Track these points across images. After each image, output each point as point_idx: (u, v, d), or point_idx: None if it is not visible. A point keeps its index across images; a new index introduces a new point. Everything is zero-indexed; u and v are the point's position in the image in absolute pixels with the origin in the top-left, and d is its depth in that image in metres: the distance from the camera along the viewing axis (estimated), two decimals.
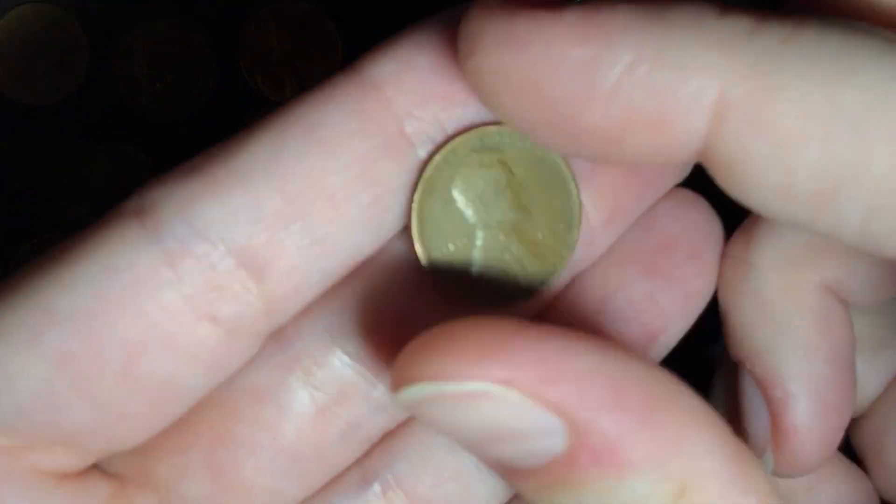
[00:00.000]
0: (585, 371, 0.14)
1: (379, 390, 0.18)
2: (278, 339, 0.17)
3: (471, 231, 0.18)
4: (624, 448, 0.13)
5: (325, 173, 0.16)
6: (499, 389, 0.13)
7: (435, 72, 0.16)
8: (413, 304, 0.18)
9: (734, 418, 0.21)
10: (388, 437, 0.18)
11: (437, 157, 0.17)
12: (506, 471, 0.15)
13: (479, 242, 0.18)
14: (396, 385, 0.14)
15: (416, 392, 0.14)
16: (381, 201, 0.16)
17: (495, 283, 0.18)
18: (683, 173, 0.19)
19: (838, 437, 0.19)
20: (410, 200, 0.17)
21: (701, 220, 0.19)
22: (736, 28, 0.13)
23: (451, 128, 0.17)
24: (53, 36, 0.27)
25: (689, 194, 0.19)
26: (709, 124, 0.13)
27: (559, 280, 0.18)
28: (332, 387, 0.18)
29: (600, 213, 0.18)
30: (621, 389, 0.14)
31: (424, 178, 0.17)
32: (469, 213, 0.17)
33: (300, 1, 0.27)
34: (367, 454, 0.18)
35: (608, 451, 0.13)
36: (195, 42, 0.27)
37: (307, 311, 0.17)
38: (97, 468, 0.17)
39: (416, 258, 0.17)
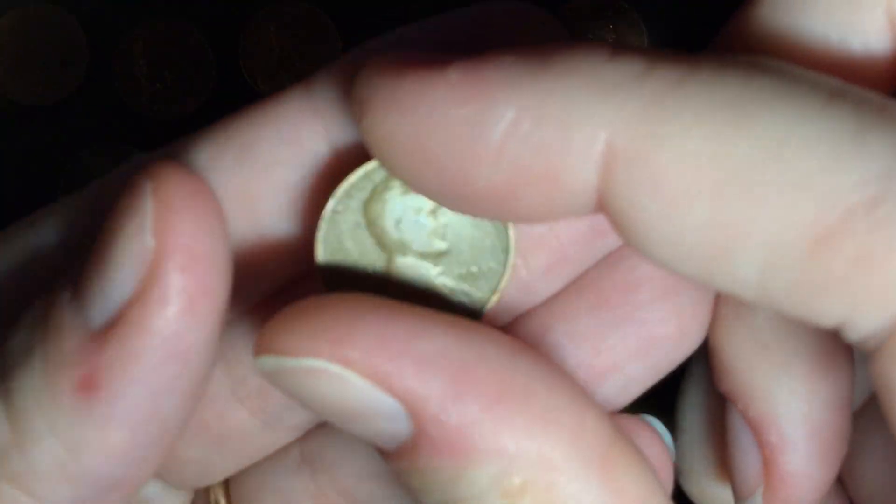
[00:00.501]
0: (431, 355, 0.13)
1: None
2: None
3: (385, 257, 0.16)
4: (464, 438, 0.13)
5: (254, 197, 0.16)
6: (337, 368, 0.13)
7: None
8: None
9: (709, 440, 0.20)
10: (323, 425, 0.19)
11: (352, 176, 0.16)
12: (374, 448, 0.15)
13: (397, 269, 0.16)
14: (255, 354, 0.14)
15: (265, 363, 0.14)
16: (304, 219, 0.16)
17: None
18: None
19: (833, 477, 0.18)
20: (317, 215, 0.16)
21: None
22: (626, 72, 0.13)
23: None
24: (53, 36, 0.27)
25: None
26: (599, 176, 0.13)
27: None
28: (254, 382, 0.17)
29: (538, 259, 0.17)
30: (469, 376, 0.13)
31: (337, 192, 0.16)
32: (386, 238, 0.16)
33: (300, 1, 0.27)
34: (306, 437, 0.19)
35: (447, 440, 0.13)
36: (195, 42, 0.27)
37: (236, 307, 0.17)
38: None
39: (318, 277, 0.16)
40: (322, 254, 0.16)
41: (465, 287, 0.16)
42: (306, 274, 0.17)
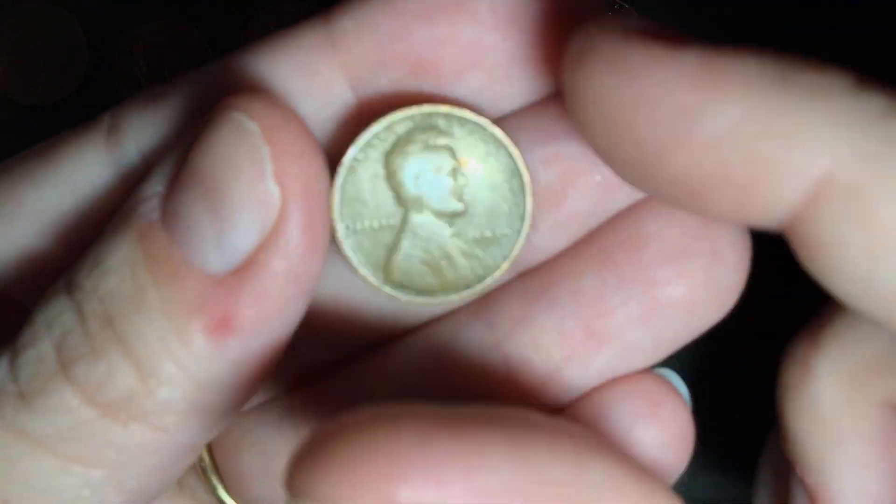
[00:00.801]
0: (496, 490, 0.12)
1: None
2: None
3: (401, 212, 0.16)
4: None
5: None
6: None
7: (399, 36, 0.15)
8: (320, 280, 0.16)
9: (777, 498, 0.20)
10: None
11: (375, 126, 0.16)
12: None
13: (410, 226, 0.16)
14: (292, 492, 0.12)
15: None
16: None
17: (419, 274, 0.16)
18: None
19: None
20: (334, 165, 0.16)
21: (694, 220, 0.16)
22: (868, 107, 0.12)
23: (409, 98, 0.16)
24: (53, 36, 0.27)
25: None
26: (804, 200, 0.12)
27: (482, 287, 0.17)
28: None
29: (547, 215, 0.17)
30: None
31: (361, 136, 0.16)
32: (403, 191, 0.16)
33: (300, 1, 0.27)
34: (289, 390, 0.19)
35: None
36: (195, 42, 0.27)
37: None
38: None
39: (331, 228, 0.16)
40: (338, 202, 0.16)
41: (477, 251, 0.16)
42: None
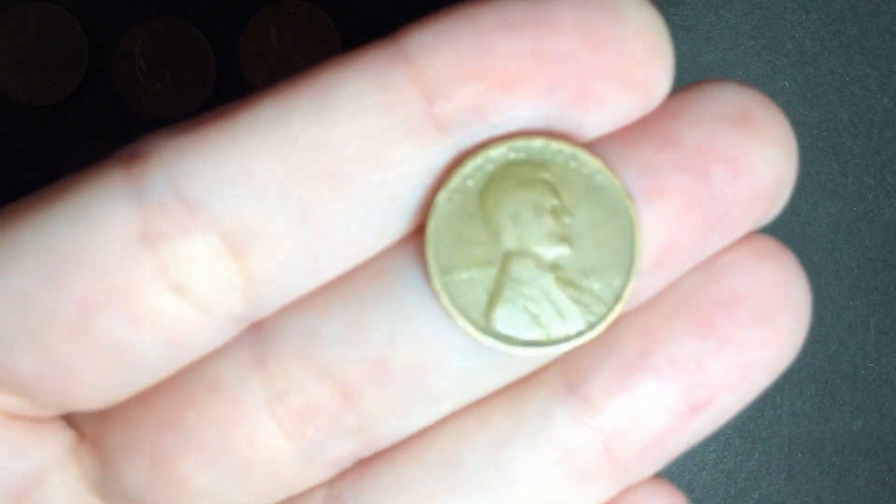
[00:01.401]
0: None
1: (352, 415, 0.15)
2: (256, 331, 0.16)
3: (498, 257, 0.15)
4: None
5: (332, 146, 0.14)
6: None
7: (480, 48, 0.14)
8: (409, 324, 0.15)
9: None
10: (362, 465, 0.16)
11: (469, 160, 0.14)
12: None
13: (511, 272, 0.15)
14: None
15: None
16: (392, 188, 0.14)
17: (515, 325, 0.15)
18: (768, 214, 0.16)
19: None
20: (428, 201, 0.15)
21: (779, 275, 0.16)
22: None
23: (492, 116, 0.14)
24: (53, 36, 0.27)
25: (770, 243, 0.16)
26: None
27: (595, 334, 0.15)
28: (297, 400, 0.15)
29: (649, 248, 0.15)
30: None
31: (450, 178, 0.14)
32: (501, 233, 0.15)
33: (300, 1, 0.27)
34: (338, 478, 0.16)
35: None
36: (195, 42, 0.27)
37: (292, 308, 0.15)
38: (63, 418, 0.16)
39: (425, 273, 0.15)
40: (433, 245, 0.15)
41: (584, 296, 0.15)
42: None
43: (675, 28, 0.29)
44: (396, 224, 0.15)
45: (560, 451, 0.16)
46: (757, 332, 0.15)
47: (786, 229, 0.30)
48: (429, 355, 0.15)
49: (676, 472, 0.30)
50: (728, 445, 0.30)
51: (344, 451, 0.16)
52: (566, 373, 0.16)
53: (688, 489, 0.30)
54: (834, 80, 0.30)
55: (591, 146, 0.15)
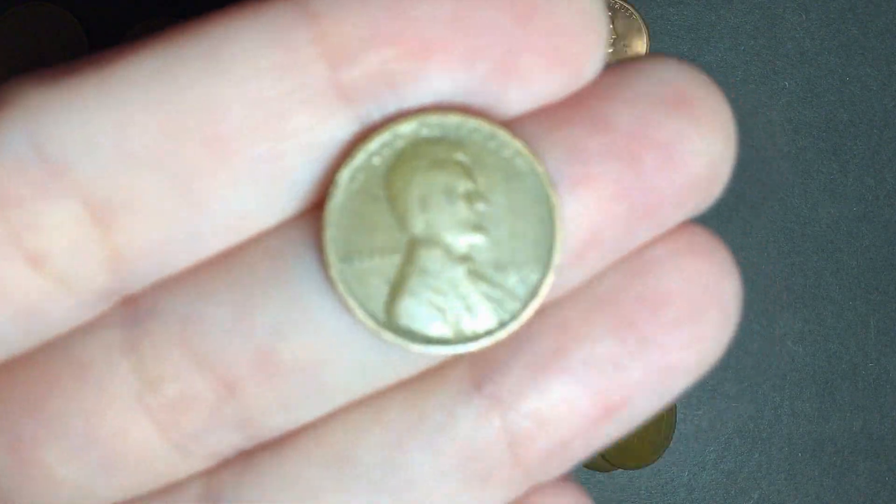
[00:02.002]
0: None
1: (233, 408, 0.14)
2: (129, 308, 0.14)
3: (403, 244, 0.13)
4: None
5: (219, 110, 0.13)
6: None
7: (394, 9, 0.13)
8: (300, 313, 0.14)
9: None
10: (244, 456, 0.15)
11: (376, 136, 0.13)
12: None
13: (418, 261, 0.13)
14: None
15: None
16: (285, 163, 0.13)
17: (419, 320, 0.14)
18: (702, 204, 0.15)
19: None
20: (328, 178, 0.13)
21: (710, 273, 0.15)
22: None
23: (405, 88, 0.13)
24: (53, 36, 0.27)
25: (702, 235, 0.15)
26: None
27: (506, 333, 0.14)
28: (172, 390, 0.14)
29: (571, 240, 0.14)
30: None
31: (354, 154, 0.13)
32: (408, 218, 0.13)
33: None
34: (217, 469, 0.15)
35: None
36: None
37: (171, 284, 0.14)
38: None
39: (321, 259, 0.13)
40: (331, 228, 0.13)
41: (497, 291, 0.14)
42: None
43: (675, 28, 0.29)
44: (289, 201, 0.13)
45: (462, 452, 0.15)
46: (679, 334, 0.14)
47: (786, 229, 0.30)
48: (321, 348, 0.14)
49: (676, 472, 0.30)
50: (728, 445, 0.30)
51: (224, 444, 0.15)
52: (473, 368, 0.15)
53: (688, 489, 0.30)
54: (834, 80, 0.30)
55: (512, 125, 0.14)
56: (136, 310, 0.14)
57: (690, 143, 0.14)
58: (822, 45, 0.30)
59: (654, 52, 0.32)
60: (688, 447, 0.30)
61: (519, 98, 0.13)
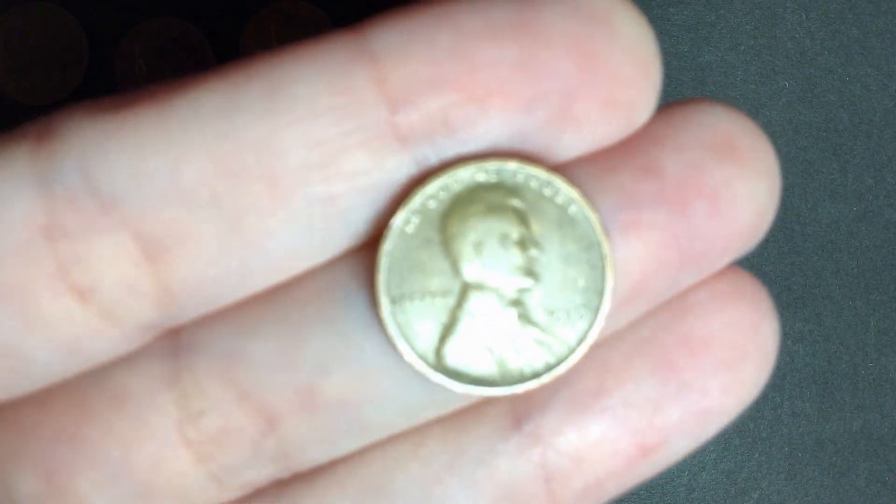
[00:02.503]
0: None
1: (273, 442, 0.14)
2: (172, 340, 0.14)
3: (455, 288, 0.13)
4: None
5: (277, 150, 0.12)
6: None
7: (456, 52, 0.12)
8: (346, 350, 0.14)
9: None
10: (279, 486, 0.15)
11: (433, 179, 0.13)
12: None
13: (469, 304, 0.13)
14: None
15: None
16: (340, 203, 0.13)
17: (467, 360, 0.14)
18: (745, 249, 0.15)
19: None
20: (383, 219, 0.13)
21: (750, 318, 0.15)
22: None
23: (461, 131, 0.13)
24: (53, 36, 0.27)
25: (744, 280, 0.15)
26: None
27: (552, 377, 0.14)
28: (213, 423, 0.14)
29: (620, 286, 0.14)
30: None
31: (410, 199, 0.13)
32: (462, 263, 0.13)
33: (300, 1, 0.27)
34: (251, 498, 0.15)
35: None
36: (195, 42, 0.27)
37: (215, 318, 0.14)
38: None
39: (372, 298, 0.13)
40: (384, 270, 0.13)
41: (546, 336, 0.14)
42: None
43: (675, 28, 0.29)
44: (342, 240, 0.13)
45: (499, 488, 0.15)
46: (719, 378, 0.15)
47: (786, 229, 0.30)
48: (366, 387, 0.14)
49: (676, 473, 0.30)
50: (728, 445, 0.30)
51: (260, 476, 0.15)
52: (514, 406, 0.15)
53: (687, 489, 0.30)
54: (834, 80, 0.30)
55: (565, 168, 0.14)
56: (179, 342, 0.14)
57: (738, 192, 0.14)
58: (822, 45, 0.29)
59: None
60: None
61: (572, 143, 0.13)
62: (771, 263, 0.29)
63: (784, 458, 0.30)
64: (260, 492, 0.15)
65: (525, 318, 0.14)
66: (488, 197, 0.13)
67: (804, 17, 0.29)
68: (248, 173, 0.12)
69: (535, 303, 0.14)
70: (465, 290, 0.13)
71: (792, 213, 0.30)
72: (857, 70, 0.30)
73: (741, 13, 0.29)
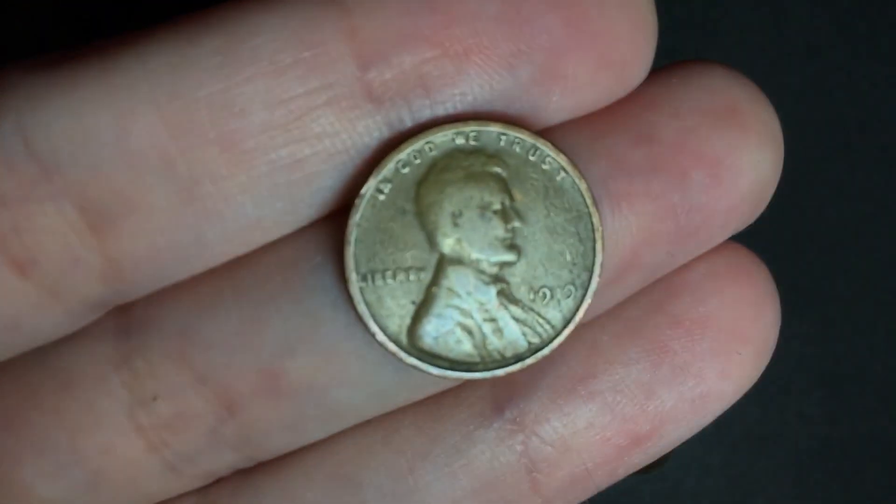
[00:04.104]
0: None
1: (233, 428, 0.13)
2: (123, 317, 0.13)
3: (432, 263, 0.12)
4: None
5: (236, 109, 0.11)
6: None
7: (432, 5, 0.11)
8: (312, 330, 0.13)
9: None
10: (241, 475, 0.14)
11: (407, 144, 0.12)
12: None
13: (446, 280, 0.13)
14: None
15: None
16: (306, 169, 0.12)
17: (444, 342, 0.13)
18: (747, 221, 0.14)
19: None
20: (352, 187, 0.12)
21: (751, 298, 0.14)
22: None
23: (439, 90, 0.12)
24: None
25: (744, 256, 0.14)
26: None
27: (536, 359, 0.13)
28: (167, 408, 0.13)
29: (610, 261, 0.13)
30: None
31: (382, 166, 0.12)
32: (438, 234, 0.12)
33: None
34: (211, 488, 0.14)
35: None
36: None
37: (169, 295, 0.13)
38: None
39: (340, 274, 0.12)
40: (353, 243, 0.12)
41: (530, 314, 0.13)
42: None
43: (680, 23, 0.29)
44: (308, 209, 0.12)
45: (478, 479, 0.14)
46: (716, 362, 0.14)
47: (793, 229, 0.29)
48: (333, 369, 0.13)
49: (682, 477, 0.30)
50: (734, 449, 0.30)
51: (220, 464, 0.14)
52: (495, 390, 0.14)
53: (693, 494, 0.30)
54: (841, 76, 0.29)
55: (551, 133, 0.13)
56: (130, 321, 0.13)
57: (740, 160, 0.13)
58: (829, 41, 0.29)
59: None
60: (693, 451, 0.30)
61: (561, 105, 0.13)
62: (777, 264, 0.29)
63: (791, 462, 0.30)
64: (221, 481, 0.14)
65: (507, 295, 0.13)
66: (467, 163, 0.12)
67: (811, 12, 0.29)
68: (203, 134, 0.11)
69: (518, 279, 0.13)
70: (442, 264, 0.12)
71: (799, 212, 0.29)
72: (866, 67, 0.29)
73: (747, 8, 0.29)
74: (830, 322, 0.30)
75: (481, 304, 0.13)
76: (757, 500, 0.30)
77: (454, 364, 0.13)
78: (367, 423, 0.14)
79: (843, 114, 0.29)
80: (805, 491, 0.30)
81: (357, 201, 0.12)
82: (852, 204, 0.30)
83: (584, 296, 0.13)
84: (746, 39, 0.29)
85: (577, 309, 0.13)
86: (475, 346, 0.13)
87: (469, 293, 0.13)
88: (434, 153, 0.12)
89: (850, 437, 0.30)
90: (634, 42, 0.12)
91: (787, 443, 0.30)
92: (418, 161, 0.12)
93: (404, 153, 0.12)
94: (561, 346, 0.13)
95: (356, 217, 0.12)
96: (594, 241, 0.13)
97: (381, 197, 0.12)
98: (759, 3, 0.29)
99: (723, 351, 0.14)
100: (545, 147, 0.12)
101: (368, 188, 0.12)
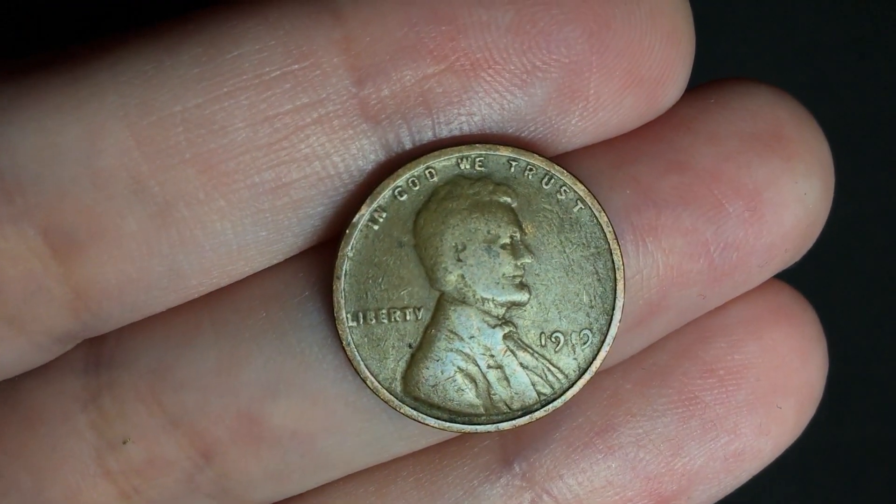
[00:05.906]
0: None
1: (210, 476, 0.12)
2: (93, 351, 0.12)
3: (431, 302, 0.11)
4: None
5: (216, 127, 0.10)
6: None
7: (439, 13, 0.10)
8: (297, 372, 0.12)
9: None
10: None
11: (406, 171, 0.11)
12: None
13: (447, 321, 0.11)
14: None
15: None
16: (293, 194, 0.11)
17: (444, 390, 0.11)
18: (792, 259, 0.12)
19: None
20: (344, 216, 0.11)
21: (794, 345, 0.13)
22: None
23: (442, 108, 0.10)
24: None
25: (786, 295, 0.13)
26: None
27: (547, 412, 0.12)
28: (140, 451, 0.12)
29: (633, 304, 0.12)
30: None
31: (377, 193, 0.11)
32: (439, 270, 0.11)
33: None
34: None
35: None
36: None
37: (142, 329, 0.12)
38: None
39: (328, 310, 0.11)
40: (344, 278, 0.11)
41: (541, 361, 0.11)
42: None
43: None
44: (294, 238, 0.11)
45: None
46: (753, 416, 0.12)
47: None
48: (320, 415, 0.12)
49: None
50: None
51: None
52: (503, 440, 0.13)
53: None
54: (846, 75, 0.29)
55: (569, 159, 0.12)
56: (100, 356, 0.12)
57: (783, 190, 0.12)
58: (835, 39, 0.29)
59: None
60: None
61: (581, 128, 0.11)
62: None
63: (796, 464, 0.30)
64: None
65: (515, 339, 0.11)
66: (473, 191, 0.11)
67: (817, 10, 0.29)
68: (178, 154, 0.10)
69: (528, 322, 0.11)
70: (443, 304, 0.11)
71: None
72: (872, 66, 0.29)
73: (752, 6, 0.29)
74: (835, 323, 0.29)
75: (486, 348, 0.12)
76: (759, 500, 0.30)
77: (454, 415, 0.12)
78: (360, 474, 0.13)
79: (849, 113, 0.29)
80: (811, 494, 0.30)
81: (348, 231, 0.11)
82: (858, 203, 0.29)
83: (602, 342, 0.12)
84: (752, 37, 0.29)
85: (593, 357, 0.12)
86: (478, 396, 0.12)
87: (472, 336, 0.11)
88: (435, 179, 0.11)
89: (856, 439, 0.30)
90: (667, 57, 0.11)
91: (793, 445, 0.30)
92: (417, 188, 0.11)
93: (402, 179, 0.11)
94: (576, 396, 0.12)
95: (347, 248, 0.11)
96: (615, 280, 0.11)
97: (376, 227, 0.11)
98: (758, 4, 0.29)
99: (761, 403, 0.12)
100: (561, 175, 0.11)
101: (361, 217, 0.11)
